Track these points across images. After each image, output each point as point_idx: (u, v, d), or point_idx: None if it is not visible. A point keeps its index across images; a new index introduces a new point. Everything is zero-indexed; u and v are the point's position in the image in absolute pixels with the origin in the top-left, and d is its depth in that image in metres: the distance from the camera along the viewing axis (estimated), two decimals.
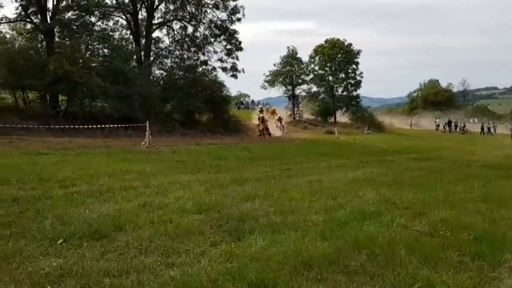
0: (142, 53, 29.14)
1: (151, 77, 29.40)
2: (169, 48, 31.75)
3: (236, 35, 31.90)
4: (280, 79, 47.26)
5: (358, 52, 47.11)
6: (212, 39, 31.78)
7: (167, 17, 31.05)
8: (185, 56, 31.55)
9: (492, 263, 4.71)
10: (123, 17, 29.66)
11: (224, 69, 31.94)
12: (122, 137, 21.09)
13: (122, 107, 23.61)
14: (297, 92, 47.88)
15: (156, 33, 31.49)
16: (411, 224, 6.26)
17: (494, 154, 23.41)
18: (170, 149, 17.39)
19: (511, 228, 6.21)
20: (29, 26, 26.52)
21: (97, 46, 27.11)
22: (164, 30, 31.84)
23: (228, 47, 31.97)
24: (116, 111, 24.17)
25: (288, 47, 47.38)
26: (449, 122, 54.50)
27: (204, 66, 31.91)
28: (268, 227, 5.74)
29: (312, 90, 47.89)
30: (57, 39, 25.83)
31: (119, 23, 29.84)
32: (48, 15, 25.17)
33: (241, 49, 32.20)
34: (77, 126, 20.28)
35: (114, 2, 28.76)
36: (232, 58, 32.09)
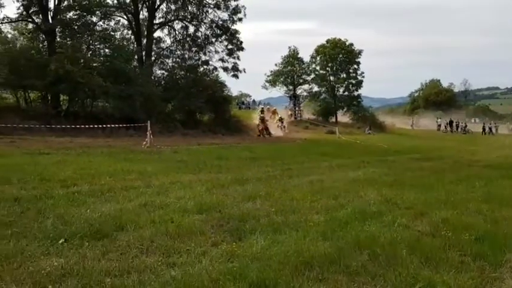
0: (144, 53, 29.12)
1: (152, 77, 29.38)
2: (171, 48, 31.75)
3: (237, 35, 31.92)
4: (282, 79, 47.23)
5: (360, 52, 47.16)
6: (213, 39, 31.77)
7: (168, 16, 31.06)
8: (186, 56, 31.57)
9: (494, 263, 4.71)
10: (125, 17, 29.66)
11: (225, 69, 31.95)
12: (123, 137, 21.09)
13: (123, 107, 23.61)
14: (298, 92, 47.86)
15: (157, 33, 31.52)
16: (412, 224, 6.26)
17: (495, 154, 23.39)
18: (171, 148, 17.38)
19: None
20: (30, 25, 26.53)
21: (98, 46, 27.09)
22: (165, 30, 31.86)
23: (229, 47, 31.96)
24: (117, 111, 24.17)
25: (289, 47, 47.44)
26: (451, 122, 54.45)
27: (205, 66, 31.91)
28: (269, 227, 5.74)
29: (313, 90, 47.89)
30: (58, 39, 25.81)
31: (120, 23, 29.87)
32: (50, 15, 25.17)
33: (242, 49, 32.22)
34: (78, 126, 20.28)
35: (115, 2, 28.77)
36: (234, 58, 32.10)
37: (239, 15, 31.39)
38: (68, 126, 20.24)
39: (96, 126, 20.65)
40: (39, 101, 25.11)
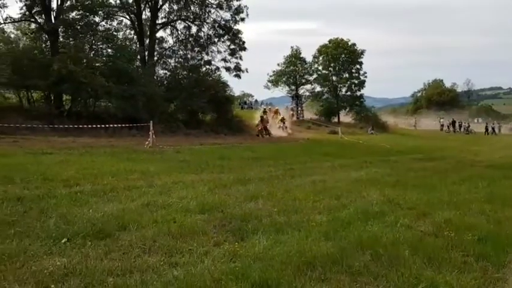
0: (146, 53, 29.16)
1: (155, 77, 29.38)
2: (173, 48, 31.75)
3: (240, 35, 31.90)
4: (284, 79, 47.23)
5: (362, 52, 47.10)
6: (216, 39, 31.76)
7: (171, 17, 31.06)
8: (189, 55, 31.58)
9: (496, 263, 4.70)
10: (127, 17, 29.69)
11: (228, 69, 31.95)
12: (126, 137, 21.11)
13: (126, 107, 23.62)
14: (301, 92, 47.85)
15: (159, 33, 31.48)
16: (415, 224, 6.25)
17: (498, 154, 23.31)
18: (174, 148, 17.40)
19: None
20: (33, 25, 26.54)
21: (101, 46, 27.12)
22: (168, 30, 31.84)
23: (232, 46, 31.96)
24: (119, 111, 24.19)
25: (291, 47, 47.45)
26: (454, 122, 54.37)
27: (207, 66, 31.92)
28: (272, 227, 5.74)
29: (316, 90, 47.88)
30: (61, 39, 25.85)
31: (123, 23, 29.86)
32: (53, 15, 25.18)
33: (244, 49, 32.21)
34: (81, 126, 20.31)
35: (118, 2, 28.78)
36: (236, 58, 32.09)
37: (241, 15, 31.42)
38: (71, 126, 20.28)
39: (98, 126, 20.67)
40: (42, 101, 25.15)
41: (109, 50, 26.92)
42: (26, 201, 6.70)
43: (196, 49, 31.65)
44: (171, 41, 31.85)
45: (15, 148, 14.89)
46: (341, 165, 14.15)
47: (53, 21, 24.98)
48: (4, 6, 23.97)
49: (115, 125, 21.24)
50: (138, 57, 28.84)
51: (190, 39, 31.62)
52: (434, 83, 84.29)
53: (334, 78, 47.22)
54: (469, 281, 4.15)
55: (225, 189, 8.61)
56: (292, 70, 46.94)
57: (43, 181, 8.64)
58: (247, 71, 32.55)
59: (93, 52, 26.51)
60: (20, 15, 25.24)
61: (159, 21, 30.62)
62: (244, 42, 32.12)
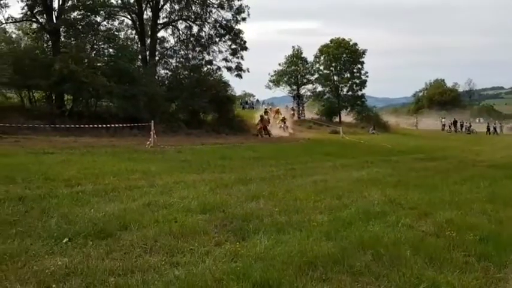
0: (148, 53, 29.19)
1: (156, 77, 29.40)
2: (175, 48, 31.76)
3: (241, 35, 31.88)
4: (285, 79, 47.18)
5: (364, 52, 46.97)
6: (217, 39, 31.76)
7: (172, 16, 31.07)
8: (190, 55, 31.57)
9: (498, 263, 4.70)
10: (129, 16, 29.71)
11: (229, 68, 31.94)
12: (127, 137, 21.14)
13: (127, 107, 23.66)
14: (302, 91, 47.79)
15: (161, 33, 31.49)
16: (416, 224, 6.25)
17: (500, 154, 23.27)
18: (175, 148, 17.41)
19: None
20: (34, 25, 26.58)
21: (102, 46, 27.15)
22: (169, 30, 31.84)
23: (233, 46, 31.94)
24: (121, 110, 24.23)
25: (293, 47, 47.39)
26: (455, 122, 54.28)
27: (209, 66, 31.91)
28: (273, 226, 5.74)
29: (317, 90, 47.81)
30: (62, 39, 25.90)
31: (124, 23, 29.89)
32: (54, 15, 25.23)
33: (246, 49, 32.19)
34: (82, 126, 20.34)
35: (119, 1, 28.81)
36: (237, 58, 32.06)
37: (243, 15, 31.40)
38: (72, 125, 20.31)
39: (100, 126, 20.70)
40: (44, 100, 25.19)
41: (110, 50, 26.96)
42: (28, 201, 6.71)
43: (197, 49, 31.66)
44: (172, 40, 31.91)
45: (17, 148, 14.91)
46: (342, 165, 14.14)
47: (55, 21, 25.04)
48: (6, 6, 24.08)
49: (116, 125, 21.26)
50: (140, 57, 28.88)
51: (192, 39, 31.63)
52: (435, 83, 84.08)
53: (335, 78, 47.14)
54: (471, 281, 4.15)
55: (226, 189, 8.61)
56: (293, 70, 46.91)
57: (44, 181, 8.66)
58: (248, 71, 32.56)
59: (94, 52, 26.55)
60: (21, 15, 25.34)
61: (161, 21, 30.68)
62: (245, 42, 32.15)
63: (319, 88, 47.69)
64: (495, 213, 7.15)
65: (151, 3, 29.79)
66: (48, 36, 25.89)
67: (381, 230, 5.67)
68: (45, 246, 4.65)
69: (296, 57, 46.73)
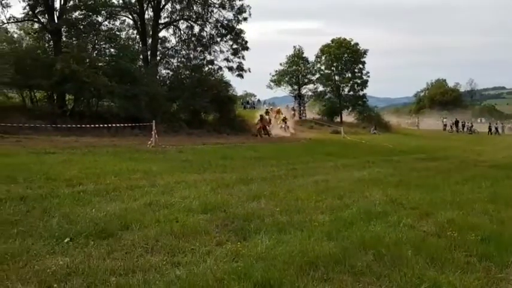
0: (149, 53, 29.19)
1: (157, 77, 29.43)
2: (176, 48, 31.78)
3: (242, 35, 31.89)
4: (286, 79, 47.20)
5: (365, 52, 46.95)
6: (218, 39, 31.78)
7: (174, 16, 31.08)
8: (191, 55, 31.60)
9: (500, 264, 4.68)
10: (130, 16, 29.74)
11: (230, 68, 31.95)
12: (129, 136, 21.17)
13: (129, 107, 23.67)
14: (303, 91, 47.80)
15: (162, 33, 31.55)
16: (418, 224, 6.24)
17: (502, 154, 23.25)
18: (176, 148, 17.42)
19: None
20: (36, 25, 26.63)
21: (104, 46, 27.16)
22: (171, 30, 31.88)
23: (234, 46, 31.95)
24: (122, 110, 24.24)
25: (294, 47, 47.39)
26: (457, 122, 54.22)
27: (210, 66, 31.92)
28: (274, 226, 5.73)
29: (318, 90, 47.82)
30: (64, 39, 25.92)
31: (126, 23, 29.94)
32: (56, 14, 25.27)
33: (247, 48, 32.20)
34: (83, 126, 20.36)
35: (120, 1, 28.83)
36: (239, 57, 32.08)
37: (244, 15, 31.40)
38: (74, 125, 20.33)
39: (101, 125, 20.71)
40: (45, 100, 25.22)
41: (112, 50, 26.99)
42: (29, 201, 6.72)
43: (198, 49, 31.68)
44: (173, 40, 31.95)
45: (18, 148, 14.93)
46: (344, 165, 14.13)
47: (56, 21, 25.07)
48: (7, 6, 24.12)
49: (118, 125, 21.29)
50: (141, 56, 28.93)
51: (193, 38, 31.65)
52: (437, 83, 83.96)
53: (336, 77, 47.13)
54: (472, 281, 4.14)
55: (228, 189, 8.61)
56: (294, 70, 46.92)
57: (46, 181, 8.67)
58: (249, 71, 32.59)
59: (96, 52, 26.57)
60: (23, 15, 25.40)
61: (162, 20, 30.70)
62: (246, 42, 32.17)
63: (321, 88, 47.77)
64: (497, 213, 7.14)
65: (152, 3, 29.81)
66: (49, 36, 25.92)
67: (382, 230, 5.67)
68: (46, 246, 4.65)
69: (297, 57, 46.75)
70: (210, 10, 31.14)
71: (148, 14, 30.32)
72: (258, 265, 4.25)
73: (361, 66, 46.89)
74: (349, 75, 47.14)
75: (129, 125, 22.12)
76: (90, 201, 6.91)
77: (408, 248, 4.90)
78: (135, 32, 30.33)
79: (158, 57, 30.44)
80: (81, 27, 26.17)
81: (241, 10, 31.18)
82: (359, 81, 46.98)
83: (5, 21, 24.90)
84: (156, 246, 4.85)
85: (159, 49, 30.77)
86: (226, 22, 31.50)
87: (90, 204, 6.64)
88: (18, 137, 17.50)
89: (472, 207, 7.53)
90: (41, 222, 5.51)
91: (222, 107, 29.80)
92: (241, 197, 7.71)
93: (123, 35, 29.09)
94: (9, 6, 24.36)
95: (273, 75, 47.75)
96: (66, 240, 4.84)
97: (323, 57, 47.28)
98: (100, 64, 24.99)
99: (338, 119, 46.13)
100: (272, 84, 47.92)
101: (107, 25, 28.00)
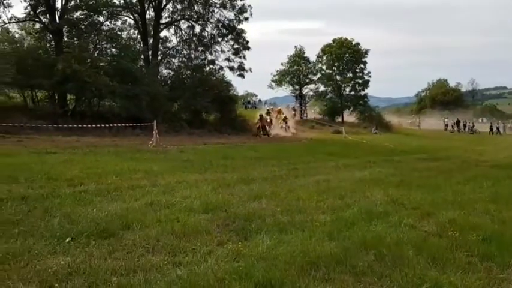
0: (150, 53, 29.18)
1: (158, 77, 29.44)
2: (177, 48, 31.80)
3: (243, 35, 31.91)
4: (288, 78, 47.25)
5: (366, 51, 47.02)
6: (219, 39, 31.79)
7: (175, 16, 31.10)
8: (192, 55, 31.61)
9: (501, 264, 4.68)
10: (131, 16, 29.74)
11: (231, 68, 31.96)
12: (130, 136, 21.18)
13: (130, 106, 23.68)
14: (304, 91, 47.86)
15: (163, 33, 31.57)
16: (419, 224, 6.23)
17: (503, 154, 23.21)
18: (177, 148, 17.42)
19: None
20: (37, 25, 26.65)
21: (105, 45, 27.20)
22: (172, 30, 31.91)
23: (236, 46, 31.96)
24: (123, 110, 24.25)
25: (295, 47, 47.50)
26: (458, 122, 54.17)
27: (211, 66, 31.93)
28: (275, 226, 5.73)
29: (320, 90, 47.86)
30: (65, 39, 25.94)
31: (127, 23, 29.95)
32: (57, 14, 25.29)
33: (248, 48, 32.22)
34: (85, 126, 20.37)
35: (122, 1, 28.86)
36: (240, 57, 32.09)
37: (245, 15, 31.41)
38: (75, 125, 20.34)
39: (102, 125, 20.73)
40: (46, 100, 25.27)
41: (113, 50, 27.03)
42: (30, 201, 6.73)
43: (200, 49, 31.69)
44: (174, 40, 31.97)
45: (20, 147, 14.95)
46: (345, 165, 14.11)
47: (57, 21, 25.09)
48: (9, 6, 24.13)
49: (119, 125, 21.30)
50: (142, 56, 28.93)
51: (194, 38, 31.66)
52: (438, 83, 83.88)
53: (338, 77, 47.18)
54: (474, 282, 4.13)
55: (229, 188, 8.61)
56: (295, 70, 46.97)
57: (47, 180, 8.67)
58: (250, 71, 32.62)
59: (97, 52, 26.60)
60: (24, 15, 25.41)
61: (163, 20, 30.70)
62: (247, 42, 32.18)
63: (322, 88, 47.86)
64: (498, 213, 7.13)
65: (153, 3, 29.82)
66: (51, 36, 25.95)
67: (384, 230, 5.66)
68: (47, 246, 4.65)
69: (298, 57, 46.79)
70: (211, 10, 31.16)
71: (150, 14, 30.36)
72: (259, 265, 4.24)
73: (362, 66, 46.98)
74: (351, 75, 47.19)
75: (131, 124, 22.14)
76: (92, 201, 6.92)
77: (409, 248, 4.89)
78: (136, 32, 30.36)
79: (159, 57, 30.46)
80: (83, 27, 26.20)
81: (242, 10, 31.20)
82: (360, 81, 47.01)
83: (7, 21, 24.98)
84: (157, 246, 4.85)
85: (160, 49, 30.79)
86: (227, 22, 31.53)
87: (91, 204, 6.64)
88: (20, 136, 17.52)
89: (474, 207, 7.52)
90: (42, 222, 5.52)
91: (223, 107, 29.81)
92: (242, 196, 7.71)
93: (124, 35, 29.16)
94: (11, 6, 24.38)
95: (274, 75, 47.89)
96: (67, 240, 4.84)
97: (324, 57, 47.34)
98: (101, 64, 25.01)
99: (339, 119, 46.16)
100: (273, 84, 48.06)
101: (108, 25, 28.08)
